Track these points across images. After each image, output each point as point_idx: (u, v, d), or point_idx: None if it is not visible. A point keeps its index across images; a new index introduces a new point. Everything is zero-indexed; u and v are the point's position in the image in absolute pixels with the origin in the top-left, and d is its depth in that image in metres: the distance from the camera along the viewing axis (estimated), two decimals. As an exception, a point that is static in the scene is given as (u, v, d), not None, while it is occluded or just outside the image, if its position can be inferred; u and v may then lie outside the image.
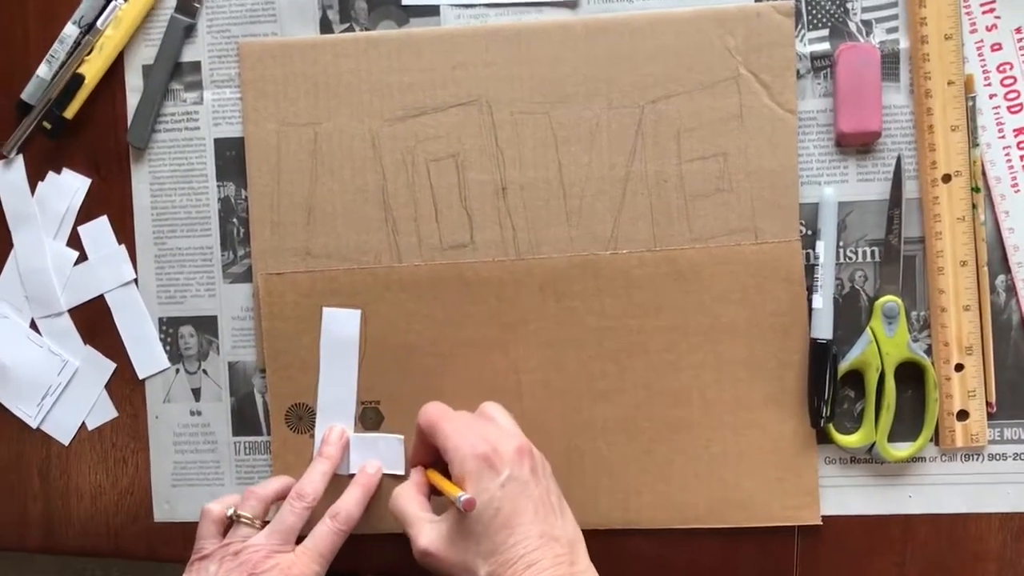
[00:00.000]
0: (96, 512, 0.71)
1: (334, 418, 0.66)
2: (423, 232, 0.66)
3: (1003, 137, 0.63)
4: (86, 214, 0.69)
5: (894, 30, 0.63)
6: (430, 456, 0.59)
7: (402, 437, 0.65)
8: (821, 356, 0.62)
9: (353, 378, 0.66)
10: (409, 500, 0.58)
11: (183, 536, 0.68)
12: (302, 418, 0.67)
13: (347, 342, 0.66)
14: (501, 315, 0.65)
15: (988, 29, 0.62)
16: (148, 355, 0.69)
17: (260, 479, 0.67)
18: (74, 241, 0.70)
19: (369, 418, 0.67)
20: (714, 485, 0.64)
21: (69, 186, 0.69)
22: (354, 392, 0.66)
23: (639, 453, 0.65)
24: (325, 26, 0.67)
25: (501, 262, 0.65)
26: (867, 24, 0.63)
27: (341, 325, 0.66)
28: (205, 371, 0.69)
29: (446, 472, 0.57)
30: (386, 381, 0.66)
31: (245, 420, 0.69)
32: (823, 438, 0.64)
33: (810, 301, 0.63)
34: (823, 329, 0.62)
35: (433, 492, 0.60)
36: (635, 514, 0.65)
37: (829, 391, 0.62)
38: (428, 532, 0.55)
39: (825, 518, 0.64)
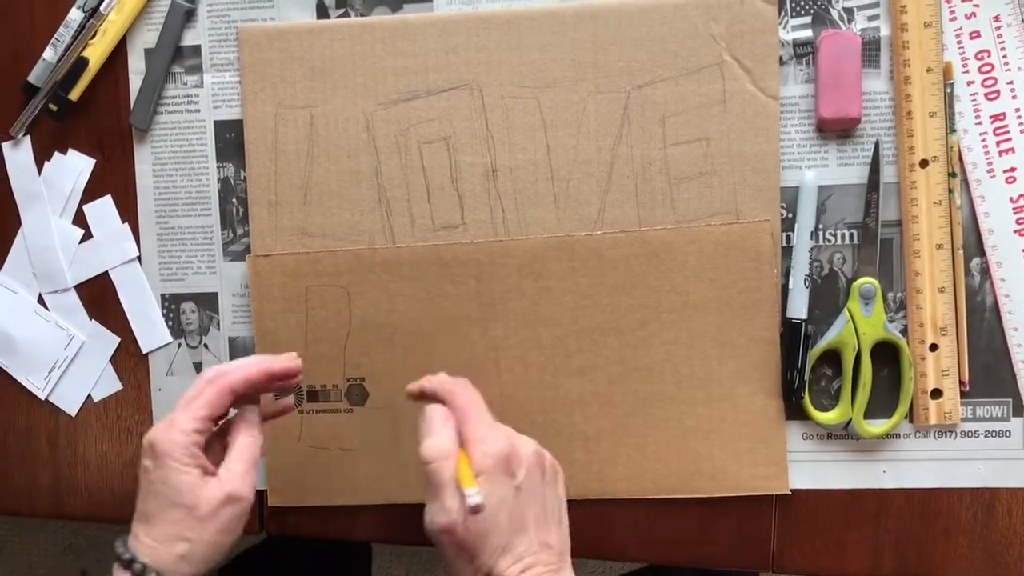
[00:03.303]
0: (102, 480, 0.74)
1: None
2: (416, 213, 0.68)
3: (980, 123, 0.64)
4: (91, 193, 0.71)
5: (875, 17, 0.64)
6: None
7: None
8: (795, 335, 0.64)
9: None
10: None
11: (185, 503, 0.70)
12: (291, 395, 0.68)
13: None
14: (480, 295, 0.66)
15: (967, 17, 0.64)
16: (151, 330, 0.72)
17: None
18: (79, 219, 0.72)
19: (355, 394, 0.68)
20: (686, 456, 0.66)
21: (74, 166, 0.71)
22: None
23: (614, 426, 0.67)
24: (321, 11, 0.69)
25: (479, 244, 0.66)
26: (849, 12, 0.65)
27: None
28: (206, 345, 0.71)
29: None
30: (370, 359, 0.68)
31: (244, 393, 0.71)
32: (796, 413, 0.66)
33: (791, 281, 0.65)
34: (797, 309, 0.64)
35: None
36: (610, 485, 0.67)
37: (801, 368, 0.64)
38: (457, 510, 0.53)
39: (802, 492, 0.66)
